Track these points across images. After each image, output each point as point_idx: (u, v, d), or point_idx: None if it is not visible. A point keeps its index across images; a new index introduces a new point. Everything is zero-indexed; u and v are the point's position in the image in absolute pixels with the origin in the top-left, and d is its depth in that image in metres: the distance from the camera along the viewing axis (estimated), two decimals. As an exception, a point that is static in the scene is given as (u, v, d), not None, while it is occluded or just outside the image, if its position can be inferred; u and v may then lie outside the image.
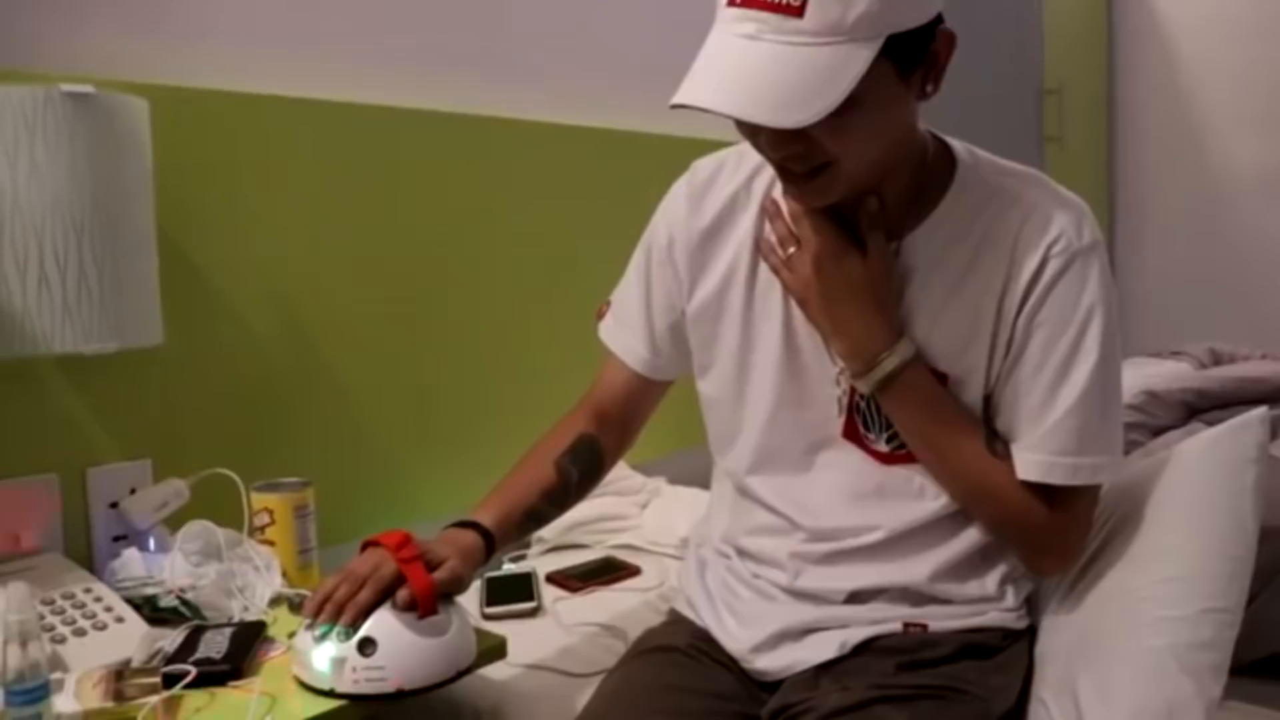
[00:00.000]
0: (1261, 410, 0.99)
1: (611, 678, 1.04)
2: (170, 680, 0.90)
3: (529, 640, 1.17)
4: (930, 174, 0.96)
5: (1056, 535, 0.96)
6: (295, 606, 1.11)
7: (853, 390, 0.98)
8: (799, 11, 0.80)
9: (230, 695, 0.92)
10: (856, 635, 0.97)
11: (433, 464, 1.59)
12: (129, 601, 1.06)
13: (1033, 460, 0.94)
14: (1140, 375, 2.09)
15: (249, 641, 1.00)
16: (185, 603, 1.08)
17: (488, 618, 1.28)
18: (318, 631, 0.91)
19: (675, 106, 0.83)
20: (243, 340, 1.36)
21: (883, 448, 0.99)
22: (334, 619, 0.90)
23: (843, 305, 0.95)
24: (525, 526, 1.07)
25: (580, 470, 1.09)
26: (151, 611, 1.07)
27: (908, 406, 0.96)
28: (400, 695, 0.89)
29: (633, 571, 1.45)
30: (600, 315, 1.16)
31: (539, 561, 1.49)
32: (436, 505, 1.51)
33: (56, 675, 0.87)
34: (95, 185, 1.04)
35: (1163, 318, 3.30)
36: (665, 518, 1.59)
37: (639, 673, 1.02)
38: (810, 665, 0.97)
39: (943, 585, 0.98)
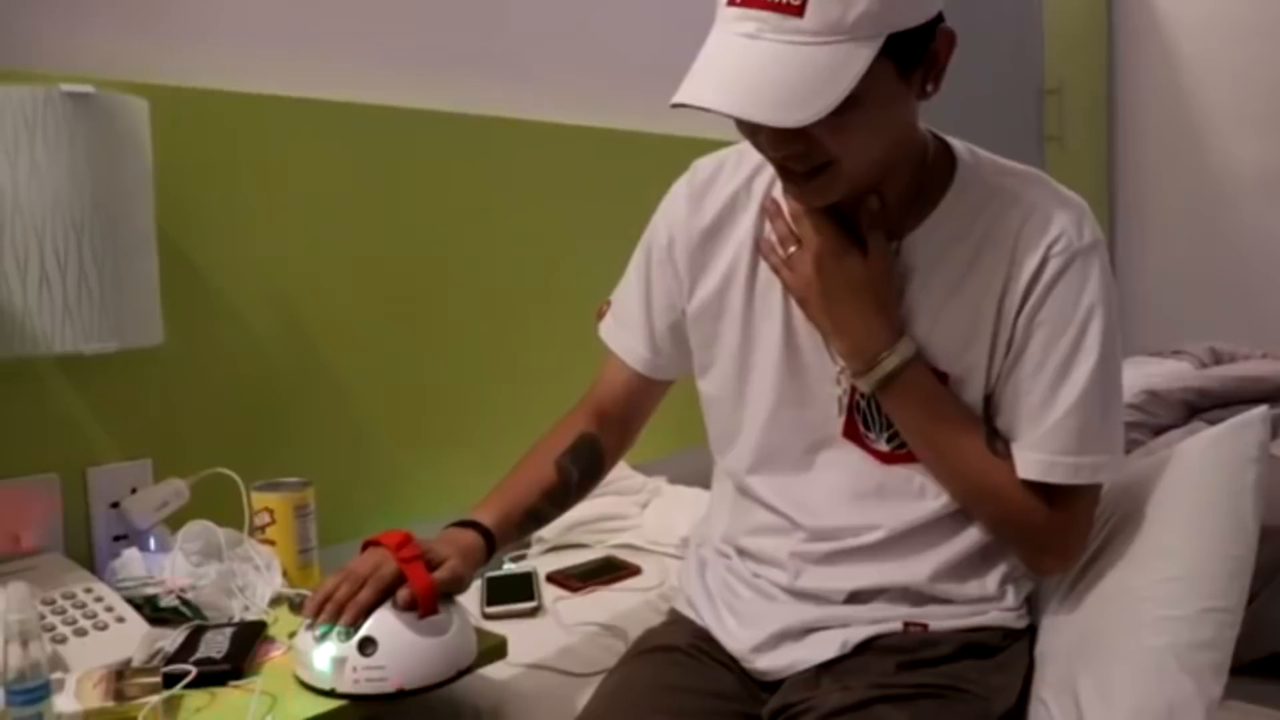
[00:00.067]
0: (1262, 409, 0.99)
1: (612, 677, 1.04)
2: (171, 680, 0.90)
3: (529, 640, 1.17)
4: (931, 173, 0.96)
5: (1057, 534, 0.96)
6: (296, 606, 1.11)
7: (853, 390, 0.98)
8: (799, 11, 0.80)
9: (231, 695, 0.92)
10: (857, 635, 0.97)
11: (433, 464, 1.59)
12: (129, 601, 1.06)
13: (1033, 459, 0.94)
14: (1141, 374, 2.09)
15: (249, 641, 1.00)
16: (186, 602, 1.08)
17: (488, 617, 1.28)
18: (318, 631, 0.91)
19: (675, 106, 0.83)
20: (243, 340, 1.36)
21: (883, 447, 0.99)
22: (334, 619, 0.90)
23: (843, 304, 0.95)
24: (526, 526, 1.08)
25: (581, 470, 1.09)
26: (152, 611, 1.07)
27: (908, 406, 0.96)
28: (400, 695, 0.89)
29: (633, 571, 1.45)
30: (600, 315, 1.16)
31: (539, 561, 1.49)
32: (436, 505, 1.51)
33: (57, 675, 0.87)
34: (95, 185, 1.04)
35: (1163, 317, 3.30)
36: (665, 517, 1.59)
37: (639, 672, 1.02)
38: (811, 665, 0.97)
39: (943, 585, 0.98)
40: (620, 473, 1.64)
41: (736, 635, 1.02)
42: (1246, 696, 1.39)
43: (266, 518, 1.22)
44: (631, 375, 1.12)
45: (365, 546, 0.97)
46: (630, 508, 1.64)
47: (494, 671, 1.07)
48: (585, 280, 1.46)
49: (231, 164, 1.35)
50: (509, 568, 1.43)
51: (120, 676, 0.89)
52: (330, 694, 0.90)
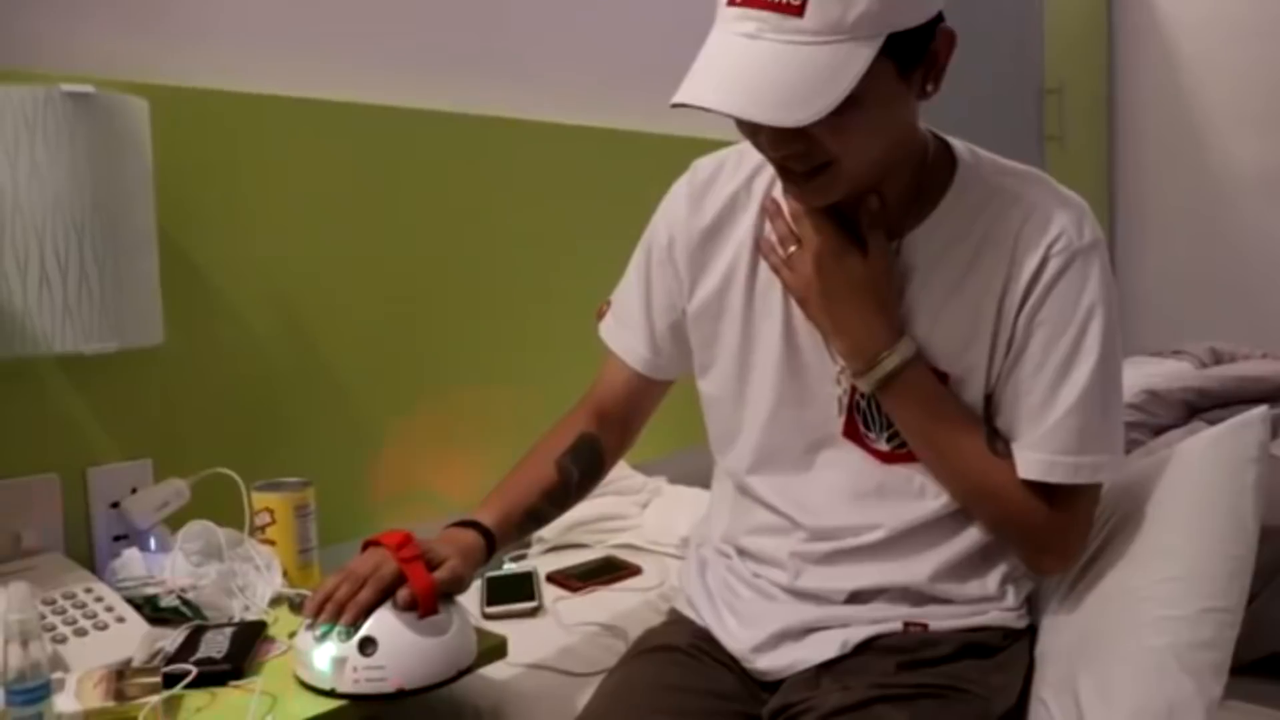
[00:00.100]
0: (1262, 409, 0.99)
1: (612, 677, 1.04)
2: (171, 680, 0.90)
3: (529, 640, 1.17)
4: (931, 173, 0.96)
5: (1057, 534, 0.96)
6: (296, 606, 1.11)
7: (853, 389, 0.98)
8: (799, 11, 0.80)
9: (231, 695, 0.92)
10: (857, 635, 0.97)
11: (433, 464, 1.59)
12: (130, 601, 1.06)
13: (1034, 459, 0.94)
14: (1141, 374, 2.09)
15: (250, 641, 1.00)
16: (186, 602, 1.08)
17: (488, 617, 1.28)
18: (318, 631, 0.91)
19: (676, 106, 0.83)
20: (243, 340, 1.36)
21: (883, 447, 0.99)
22: (335, 618, 0.90)
23: (843, 304, 0.95)
24: (526, 526, 1.08)
25: (581, 470, 1.09)
26: (152, 611, 1.07)
27: (908, 405, 0.96)
28: (401, 695, 0.89)
29: (633, 571, 1.45)
30: (601, 315, 1.16)
31: (539, 561, 1.49)
32: (436, 505, 1.51)
33: (57, 675, 0.87)
34: (95, 185, 1.04)
35: (1163, 317, 3.30)
36: (666, 517, 1.59)
37: (639, 672, 1.02)
38: (811, 665, 0.97)
39: (943, 585, 0.98)
40: (620, 473, 1.64)
41: (737, 635, 1.02)
42: (1246, 696, 1.39)
43: (267, 518, 1.22)
44: (632, 375, 1.12)
45: (365, 546, 0.97)
46: (630, 508, 1.64)
47: (494, 671, 1.07)
48: (585, 280, 1.46)
49: (231, 164, 1.35)
50: (509, 568, 1.43)
51: (120, 676, 0.89)
52: (330, 694, 0.90)
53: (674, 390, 1.15)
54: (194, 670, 0.92)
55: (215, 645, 0.98)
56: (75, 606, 1.02)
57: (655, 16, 1.99)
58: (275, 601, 1.13)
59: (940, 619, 0.98)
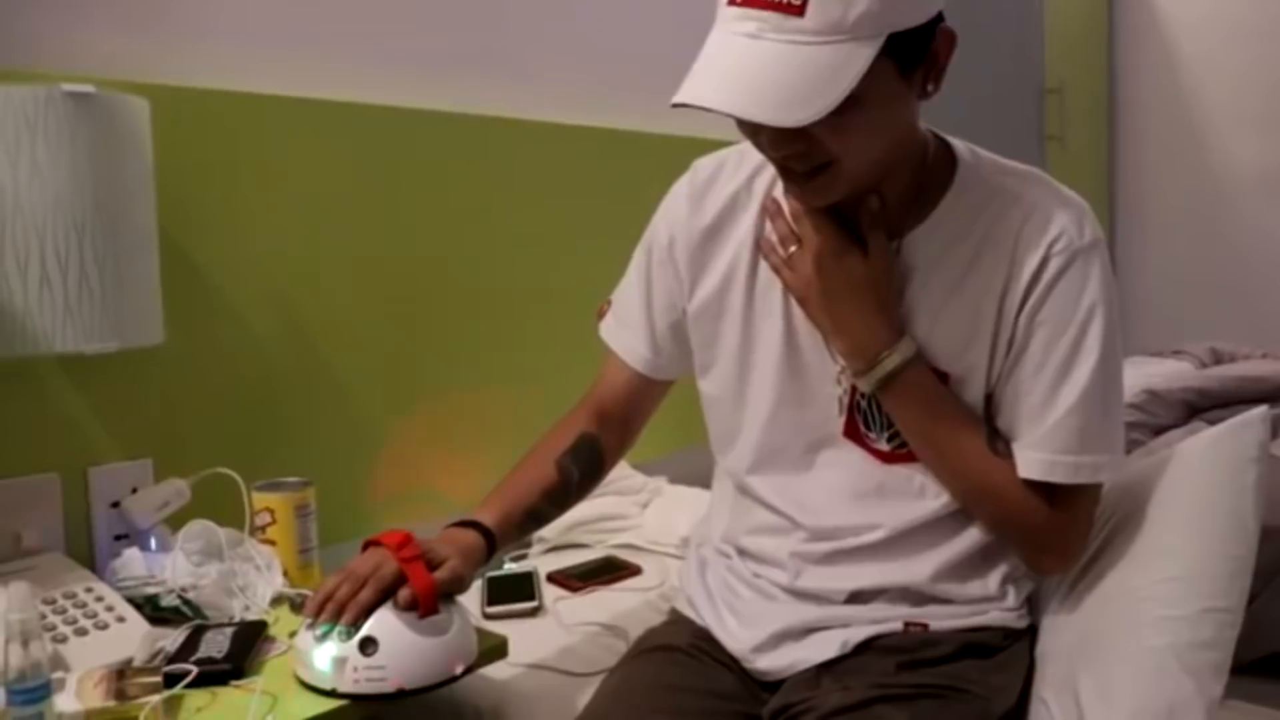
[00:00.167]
0: (1262, 409, 0.99)
1: (612, 677, 1.04)
2: (171, 680, 0.90)
3: (530, 640, 1.17)
4: (931, 173, 0.96)
5: (1057, 534, 0.96)
6: (296, 606, 1.11)
7: (853, 389, 0.98)
8: (800, 10, 0.80)
9: (231, 695, 0.92)
10: (858, 635, 0.97)
11: (433, 463, 1.59)
12: (130, 601, 1.06)
13: (1034, 459, 0.94)
14: (1141, 374, 2.09)
15: (250, 641, 1.00)
16: (186, 602, 1.08)
17: (488, 617, 1.28)
18: (319, 631, 0.91)
19: (676, 106, 0.83)
20: (243, 340, 1.36)
21: (883, 447, 0.99)
22: (335, 618, 0.90)
23: (844, 304, 0.95)
24: (526, 526, 1.08)
25: (581, 470, 1.09)
26: (153, 611, 1.07)
27: (909, 405, 0.96)
28: (401, 695, 0.89)
29: (633, 571, 1.45)
30: (601, 315, 1.16)
31: (540, 561, 1.49)
32: (437, 504, 1.51)
33: (58, 674, 0.87)
34: (96, 185, 1.04)
35: (1163, 317, 3.30)
36: (666, 517, 1.59)
37: (640, 672, 1.02)
38: (811, 665, 0.97)
39: (944, 585, 0.98)
40: (621, 472, 1.64)
41: (737, 635, 1.02)
42: (1247, 696, 1.40)
43: (267, 517, 1.22)
44: (632, 375, 1.12)
45: (366, 546, 0.97)
46: (631, 508, 1.64)
47: (494, 671, 1.07)
48: (585, 280, 1.46)
49: (232, 164, 1.35)
50: (509, 567, 1.43)
51: (121, 676, 0.89)
52: (331, 694, 0.90)
53: (674, 390, 1.15)
54: (194, 670, 0.92)
55: (216, 645, 0.98)
56: (76, 606, 1.02)
57: (655, 16, 1.99)
58: (276, 601, 1.13)
59: (940, 619, 0.98)
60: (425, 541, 0.97)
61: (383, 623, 0.90)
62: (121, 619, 1.02)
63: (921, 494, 0.98)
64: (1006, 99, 2.90)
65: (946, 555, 0.98)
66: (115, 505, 1.22)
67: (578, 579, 1.41)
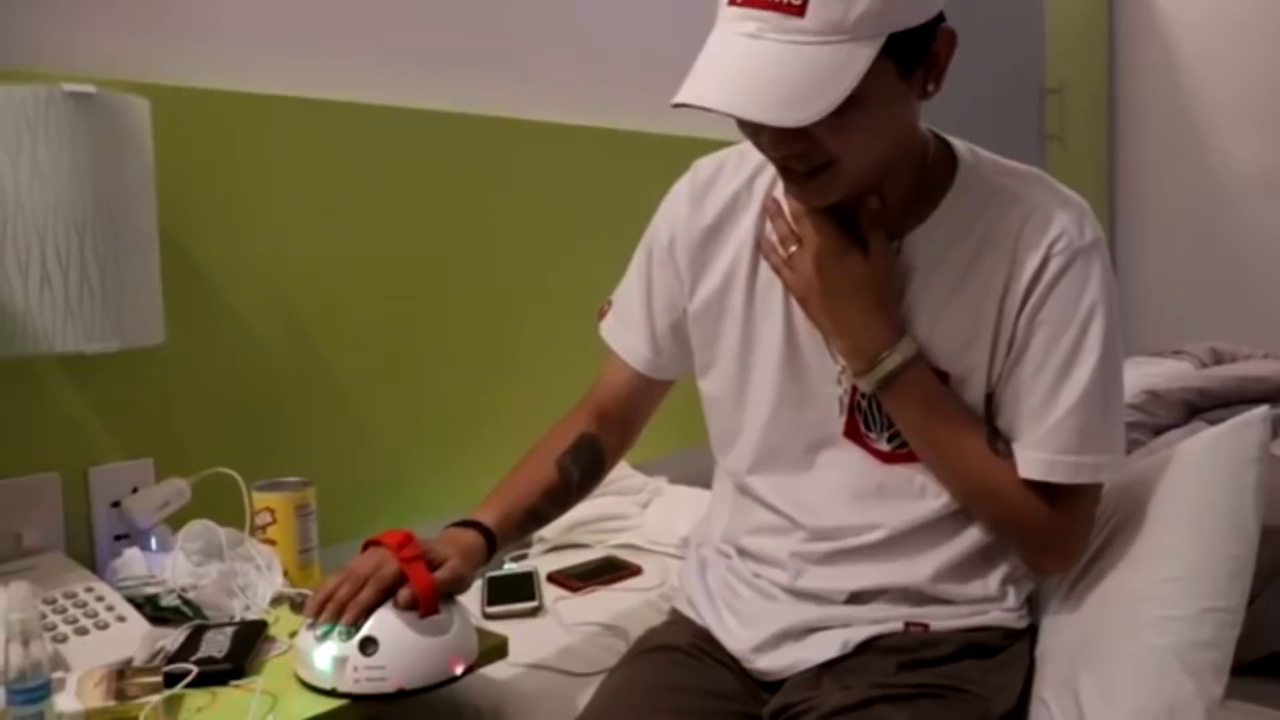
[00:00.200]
0: (1263, 409, 0.99)
1: (612, 677, 1.04)
2: (172, 679, 0.90)
3: (530, 640, 1.17)
4: (931, 173, 0.96)
5: (1058, 534, 0.96)
6: (296, 606, 1.11)
7: (854, 389, 0.98)
8: (800, 11, 0.80)
9: (232, 694, 0.92)
10: (858, 635, 0.97)
11: (433, 463, 1.59)
12: (131, 601, 1.06)
13: (1035, 459, 0.94)
14: (1141, 374, 2.09)
15: (250, 641, 1.00)
16: (187, 602, 1.08)
17: (489, 617, 1.28)
18: (319, 631, 0.91)
19: (677, 105, 0.83)
20: (244, 339, 1.36)
21: (884, 447, 0.99)
22: (335, 618, 0.90)
23: (844, 304, 0.95)
24: (526, 526, 1.08)
25: (581, 470, 1.09)
26: (153, 611, 1.07)
27: (909, 405, 0.96)
28: (401, 694, 0.89)
29: (634, 571, 1.45)
30: (602, 314, 1.16)
31: (540, 561, 1.49)
32: (437, 504, 1.51)
33: (58, 674, 0.87)
34: (97, 185, 1.04)
35: (1163, 317, 3.30)
36: (666, 517, 1.59)
37: (640, 672, 1.02)
38: (812, 665, 0.97)
39: (944, 585, 0.98)
40: (621, 472, 1.64)
41: (737, 635, 1.02)
42: (1247, 696, 1.39)
43: (267, 517, 1.22)
44: (632, 375, 1.12)
45: (366, 546, 0.97)
46: (631, 508, 1.64)
47: (495, 671, 1.07)
48: (585, 280, 1.46)
49: (232, 163, 1.35)
50: (510, 567, 1.43)
51: (121, 676, 0.89)
52: (331, 693, 0.90)
53: (674, 390, 1.15)
54: (195, 670, 0.92)
55: (216, 645, 0.98)
56: (76, 606, 1.02)
57: (655, 16, 1.99)
58: (276, 601, 1.13)
59: (941, 619, 0.98)
60: (425, 541, 0.97)
61: (383, 623, 0.90)
62: (122, 619, 1.02)
63: (922, 494, 0.98)
64: (1007, 99, 2.90)
65: (947, 555, 0.98)
66: (116, 505, 1.22)
67: (578, 579, 1.41)
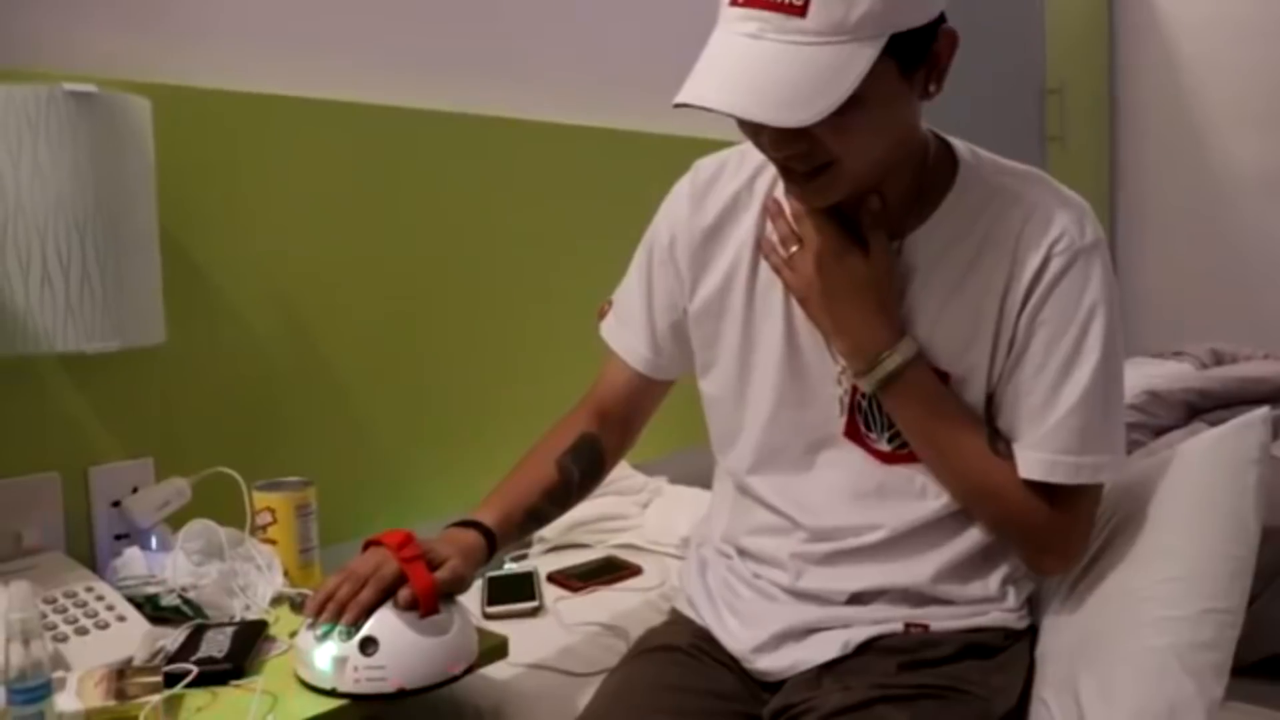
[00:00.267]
0: (1264, 410, 0.99)
1: (613, 677, 1.04)
2: (172, 679, 0.90)
3: (530, 640, 1.17)
4: (932, 173, 0.96)
5: (1058, 534, 0.96)
6: (297, 606, 1.11)
7: (854, 389, 0.98)
8: (802, 11, 0.80)
9: (232, 694, 0.92)
10: (858, 635, 0.97)
11: (433, 463, 1.59)
12: (131, 600, 1.06)
13: (1035, 459, 0.94)
14: (1142, 375, 2.09)
15: (251, 640, 1.00)
16: (187, 601, 1.08)
17: (489, 617, 1.28)
18: (319, 631, 0.91)
19: (678, 105, 0.83)
20: (244, 339, 1.36)
21: (884, 447, 0.99)
22: (336, 618, 0.90)
23: (844, 304, 0.95)
24: (527, 526, 1.08)
25: (582, 470, 1.09)
26: (153, 610, 1.07)
27: (910, 405, 0.96)
28: (401, 694, 0.89)
29: (634, 571, 1.45)
30: (602, 314, 1.16)
31: (540, 561, 1.49)
32: (437, 504, 1.51)
33: (58, 674, 0.87)
34: (98, 184, 1.04)
35: (1164, 318, 3.29)
36: (666, 517, 1.59)
37: (640, 672, 1.02)
38: (812, 665, 0.97)
39: (945, 586, 0.98)
40: (621, 472, 1.64)
41: (737, 635, 1.02)
42: (1247, 697, 1.39)
43: (268, 517, 1.22)
44: (633, 375, 1.12)
45: (366, 546, 0.97)
46: (631, 508, 1.64)
47: (495, 671, 1.07)
48: (585, 280, 1.46)
49: (232, 163, 1.35)
50: (510, 567, 1.43)
51: (121, 675, 0.89)
52: (331, 693, 0.90)
53: (674, 390, 1.15)
54: (195, 669, 0.92)
55: (216, 644, 0.98)
56: (76, 605, 1.02)
57: (655, 16, 1.99)
58: (276, 601, 1.13)
59: (941, 620, 0.98)
60: (426, 541, 0.97)
61: (383, 623, 0.90)
62: (122, 618, 1.02)
63: (922, 494, 0.98)
64: (1007, 99, 2.90)
65: (947, 556, 0.98)
66: (116, 504, 1.22)
67: (578, 579, 1.41)
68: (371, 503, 1.50)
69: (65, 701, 0.85)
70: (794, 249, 0.97)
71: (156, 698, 0.86)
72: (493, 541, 1.01)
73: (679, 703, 0.96)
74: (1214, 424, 1.27)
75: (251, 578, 1.14)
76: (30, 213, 1.01)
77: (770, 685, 0.99)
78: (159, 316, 1.14)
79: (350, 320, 1.49)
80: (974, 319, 0.95)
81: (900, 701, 0.91)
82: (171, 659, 0.95)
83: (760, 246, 1.01)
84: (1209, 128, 3.29)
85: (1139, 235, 3.44)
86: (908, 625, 0.98)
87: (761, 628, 1.00)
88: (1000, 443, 0.96)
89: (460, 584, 0.96)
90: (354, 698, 0.89)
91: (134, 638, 0.99)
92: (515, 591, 1.34)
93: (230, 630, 1.01)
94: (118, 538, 1.21)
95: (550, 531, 1.53)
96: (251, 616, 1.09)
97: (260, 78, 1.39)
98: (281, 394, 1.41)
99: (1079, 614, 0.99)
